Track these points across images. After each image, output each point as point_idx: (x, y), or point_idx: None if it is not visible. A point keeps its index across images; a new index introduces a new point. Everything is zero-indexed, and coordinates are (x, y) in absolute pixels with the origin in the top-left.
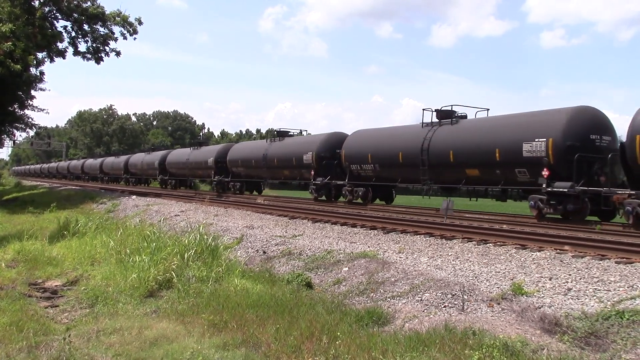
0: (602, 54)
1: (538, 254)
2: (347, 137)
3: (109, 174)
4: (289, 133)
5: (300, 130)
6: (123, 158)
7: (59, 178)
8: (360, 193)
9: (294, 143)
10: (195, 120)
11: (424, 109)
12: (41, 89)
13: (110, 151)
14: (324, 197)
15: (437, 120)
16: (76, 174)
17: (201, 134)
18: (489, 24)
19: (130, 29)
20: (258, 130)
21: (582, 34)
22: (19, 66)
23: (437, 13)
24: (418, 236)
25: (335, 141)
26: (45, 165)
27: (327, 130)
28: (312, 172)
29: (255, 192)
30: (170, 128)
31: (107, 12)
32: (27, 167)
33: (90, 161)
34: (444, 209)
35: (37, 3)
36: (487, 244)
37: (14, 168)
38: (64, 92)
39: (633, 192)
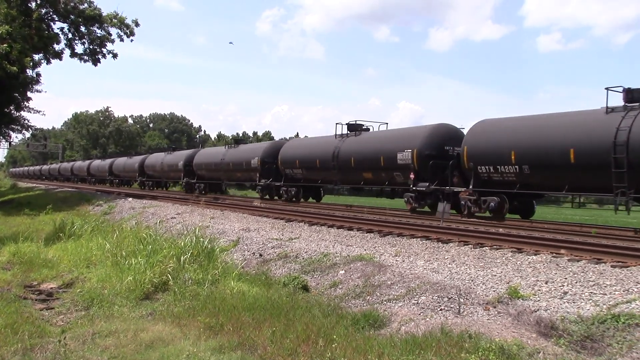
0: (598, 58)
1: (534, 257)
2: (283, 145)
3: (95, 175)
4: (248, 140)
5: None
6: (108, 161)
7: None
8: (293, 192)
9: (245, 149)
10: (192, 123)
11: (337, 123)
12: (37, 91)
13: (106, 153)
14: (267, 196)
15: (346, 132)
16: (81, 176)
17: (197, 136)
18: (486, 28)
19: (127, 31)
20: (255, 133)
21: (578, 38)
22: (15, 68)
23: (434, 16)
24: (414, 239)
25: (277, 148)
26: (45, 167)
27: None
28: (258, 175)
29: (218, 192)
30: (166, 130)
31: (104, 14)
32: (26, 168)
33: (79, 163)
34: (440, 213)
35: (33, 5)
36: (484, 248)
37: (11, 169)
38: (60, 93)
39: (464, 189)
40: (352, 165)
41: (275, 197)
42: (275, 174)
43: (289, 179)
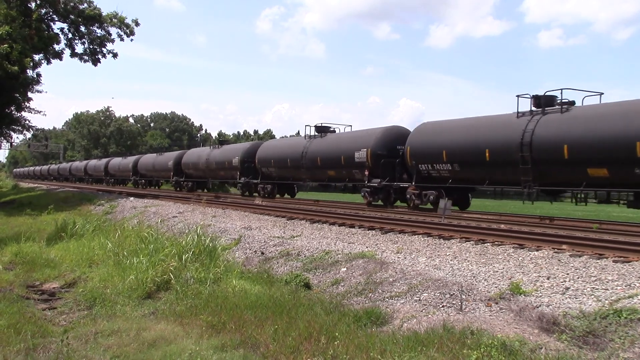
0: (599, 53)
1: (536, 253)
2: (260, 146)
3: (93, 175)
4: (228, 141)
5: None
6: (104, 161)
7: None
8: (268, 189)
9: (227, 150)
10: (192, 122)
11: (306, 125)
12: (38, 91)
13: (107, 153)
14: (247, 193)
15: (314, 134)
16: (79, 176)
17: (198, 135)
18: (486, 25)
19: (127, 31)
20: (255, 132)
21: (579, 33)
22: (15, 68)
23: (434, 14)
24: (416, 236)
25: (255, 149)
26: (45, 167)
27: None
28: (238, 173)
29: (205, 190)
30: (167, 130)
31: (103, 14)
32: (29, 168)
33: (76, 163)
34: (441, 209)
35: (33, 5)
36: (485, 244)
37: (15, 170)
38: (60, 94)
39: (407, 184)
40: (319, 164)
41: (255, 194)
42: (254, 173)
43: (265, 176)
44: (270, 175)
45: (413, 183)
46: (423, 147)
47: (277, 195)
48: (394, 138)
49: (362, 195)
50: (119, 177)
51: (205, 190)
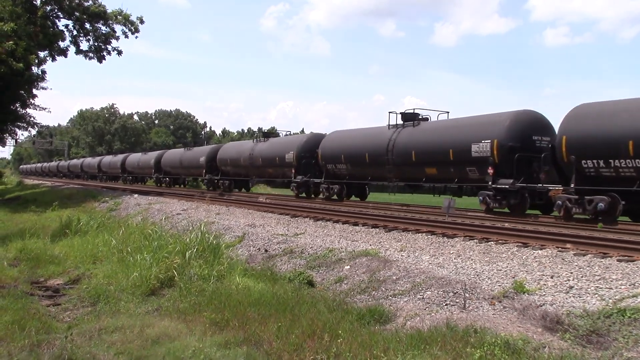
0: (605, 52)
1: (540, 252)
2: (324, 138)
3: (107, 172)
4: (274, 134)
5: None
6: (120, 157)
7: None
8: (335, 190)
9: (278, 143)
10: (197, 119)
11: (389, 112)
12: (43, 88)
13: (112, 150)
14: (303, 194)
15: (401, 122)
16: (91, 173)
17: (203, 132)
18: (492, 22)
19: (132, 28)
20: (259, 129)
21: (585, 32)
22: (21, 64)
23: (440, 11)
24: (419, 234)
25: (316, 142)
26: (54, 164)
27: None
28: (293, 171)
29: (242, 189)
30: (172, 127)
31: (108, 11)
32: (38, 165)
33: (88, 160)
34: (445, 208)
35: (38, 2)
36: (489, 242)
37: (21, 167)
38: (65, 91)
39: (561, 187)
40: (413, 159)
41: (312, 195)
42: (314, 170)
43: (331, 175)
44: (339, 174)
45: (323, 179)
46: (329, 151)
47: (235, 190)
48: (316, 142)
49: (203, 183)
50: (138, 175)
51: (244, 190)
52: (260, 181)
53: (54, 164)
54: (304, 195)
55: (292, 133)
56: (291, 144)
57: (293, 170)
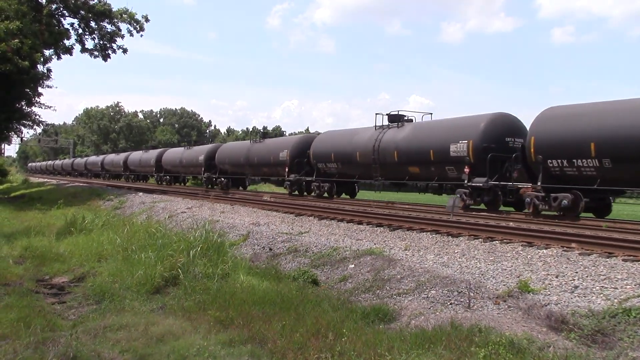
0: (612, 50)
1: (545, 251)
2: (315, 138)
3: (110, 171)
4: (270, 134)
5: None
6: (122, 156)
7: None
8: (326, 188)
9: (273, 143)
10: (202, 118)
11: (376, 113)
12: (48, 86)
13: (117, 148)
14: (296, 192)
15: (387, 123)
16: (95, 172)
17: (207, 131)
18: (498, 21)
19: (137, 26)
20: (264, 128)
21: (592, 30)
22: (26, 63)
23: (446, 10)
24: (424, 233)
25: (308, 142)
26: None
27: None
28: (287, 169)
29: (240, 188)
30: (177, 125)
31: (114, 9)
32: (44, 163)
33: (92, 158)
34: (450, 207)
35: (44, 0)
36: (494, 242)
37: (29, 164)
38: (71, 89)
39: (530, 185)
40: (396, 159)
41: (305, 193)
42: (306, 169)
43: (322, 173)
44: (329, 172)
45: (314, 177)
46: (320, 151)
47: (233, 188)
48: (309, 142)
49: (284, 186)
50: (140, 173)
51: (241, 189)
52: (257, 180)
53: (59, 162)
54: (296, 192)
55: (296, 132)
56: (286, 144)
57: (287, 169)
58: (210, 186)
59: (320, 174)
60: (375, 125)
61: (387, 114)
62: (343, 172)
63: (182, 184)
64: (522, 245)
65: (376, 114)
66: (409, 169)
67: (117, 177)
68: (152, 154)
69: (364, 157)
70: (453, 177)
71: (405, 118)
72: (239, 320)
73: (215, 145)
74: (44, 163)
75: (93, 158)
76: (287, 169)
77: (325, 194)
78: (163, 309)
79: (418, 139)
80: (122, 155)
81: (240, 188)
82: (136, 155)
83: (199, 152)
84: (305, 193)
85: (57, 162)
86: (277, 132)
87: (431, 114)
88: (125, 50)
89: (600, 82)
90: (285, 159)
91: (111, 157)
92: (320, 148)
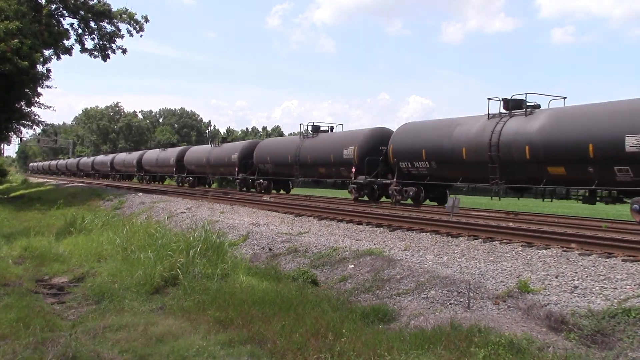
0: (612, 51)
1: (544, 251)
2: (258, 144)
3: (99, 171)
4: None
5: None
6: (110, 157)
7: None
8: (264, 184)
9: (227, 147)
10: (201, 118)
11: (300, 124)
12: (48, 86)
13: (116, 148)
14: (244, 188)
15: (310, 133)
16: (86, 171)
17: (207, 131)
18: (499, 21)
19: (137, 26)
20: (264, 128)
21: (592, 30)
22: (26, 63)
23: (446, 10)
24: (424, 234)
25: (253, 146)
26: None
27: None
28: (237, 169)
29: (206, 186)
30: (176, 125)
31: (113, 10)
32: (45, 163)
33: (84, 159)
34: (449, 207)
35: (43, 1)
36: (494, 242)
37: (31, 164)
38: (70, 89)
39: (390, 180)
40: (307, 161)
41: (252, 190)
42: (252, 169)
43: (262, 173)
44: (267, 172)
45: (256, 176)
46: (260, 154)
47: (274, 191)
48: (253, 148)
49: (348, 190)
50: (125, 173)
51: (207, 187)
52: (215, 178)
53: (62, 162)
54: (245, 189)
55: (294, 133)
56: (236, 148)
57: (237, 169)
58: (246, 189)
59: (260, 173)
60: (300, 134)
61: (311, 125)
62: (276, 172)
63: (208, 187)
64: (521, 246)
65: (300, 124)
66: (319, 170)
67: (129, 177)
68: (172, 152)
69: (289, 159)
70: (345, 175)
71: (321, 129)
72: (239, 321)
73: (253, 142)
74: (46, 163)
75: (101, 157)
76: (237, 169)
77: (263, 190)
78: (162, 309)
79: (324, 146)
80: (135, 154)
81: (207, 186)
82: (152, 154)
83: (232, 150)
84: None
85: (61, 161)
86: (278, 133)
87: (341, 124)
88: (124, 51)
89: (600, 82)
90: (235, 160)
91: (122, 156)
92: (261, 152)
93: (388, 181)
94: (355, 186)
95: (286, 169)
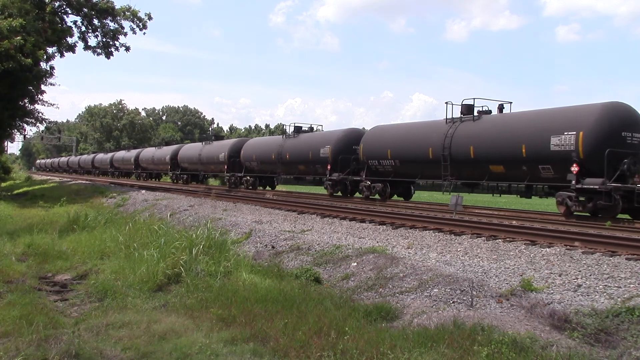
0: (617, 49)
1: (548, 250)
2: (245, 143)
3: (99, 168)
4: (219, 137)
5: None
6: (109, 155)
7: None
8: (251, 181)
9: (217, 146)
10: (204, 115)
11: (283, 125)
12: (51, 84)
13: (120, 146)
14: (233, 185)
15: (292, 133)
16: (86, 169)
17: (210, 129)
18: (503, 19)
19: (140, 24)
20: (267, 126)
21: (598, 28)
22: (29, 60)
23: (451, 7)
24: (427, 232)
25: (240, 145)
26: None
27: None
28: (226, 167)
29: (197, 182)
30: (180, 123)
31: (116, 7)
32: (49, 160)
33: (84, 157)
34: (452, 205)
35: None
36: (497, 240)
37: (38, 161)
38: (73, 86)
39: (361, 177)
40: (288, 159)
41: (241, 186)
42: (239, 167)
43: (248, 170)
44: (253, 169)
45: (243, 174)
46: (247, 153)
47: (260, 188)
48: (241, 146)
49: (324, 187)
50: (124, 170)
51: (199, 183)
52: (207, 175)
53: (64, 159)
54: (233, 185)
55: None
56: (225, 147)
57: (225, 167)
58: (176, 181)
59: (247, 170)
60: (283, 135)
61: (294, 125)
62: (261, 169)
63: (200, 184)
64: (525, 244)
65: (284, 125)
66: (298, 167)
67: (127, 175)
68: (167, 150)
69: (273, 158)
70: (320, 172)
71: (302, 129)
72: (242, 318)
73: (240, 140)
74: (49, 160)
75: (101, 155)
76: (225, 167)
77: (251, 187)
78: (165, 306)
79: (303, 146)
80: (133, 152)
81: (199, 183)
82: (148, 152)
83: (221, 148)
84: (239, 186)
85: (63, 159)
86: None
87: (321, 125)
88: (128, 48)
89: (605, 80)
90: (224, 159)
91: (121, 153)
92: (247, 151)
93: (359, 178)
94: (330, 182)
95: (270, 167)
